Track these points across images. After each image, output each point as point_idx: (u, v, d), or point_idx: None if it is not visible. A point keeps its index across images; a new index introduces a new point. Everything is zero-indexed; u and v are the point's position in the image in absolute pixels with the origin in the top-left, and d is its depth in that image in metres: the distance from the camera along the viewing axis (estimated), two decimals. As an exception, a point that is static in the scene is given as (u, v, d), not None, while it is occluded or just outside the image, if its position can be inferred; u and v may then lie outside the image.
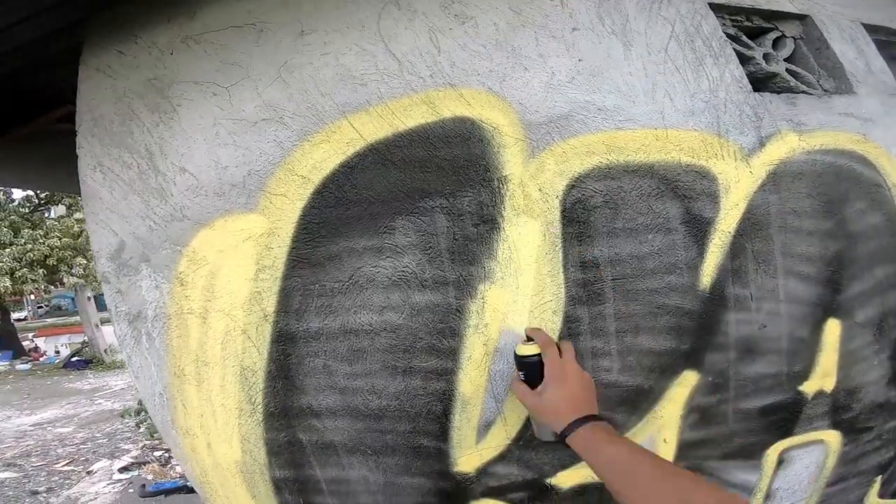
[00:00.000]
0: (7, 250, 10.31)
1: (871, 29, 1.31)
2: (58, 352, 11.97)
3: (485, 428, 0.94)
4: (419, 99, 0.88)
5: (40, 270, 10.41)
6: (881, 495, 1.37)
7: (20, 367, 10.86)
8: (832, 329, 1.06)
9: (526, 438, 0.95)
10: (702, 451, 1.05)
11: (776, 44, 1.20)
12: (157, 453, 4.58)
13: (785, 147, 1.02)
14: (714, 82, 1.01)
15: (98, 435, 5.44)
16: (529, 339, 0.84)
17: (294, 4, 0.89)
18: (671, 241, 0.94)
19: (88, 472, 4.40)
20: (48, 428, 5.91)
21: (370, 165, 0.85)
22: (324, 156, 0.84)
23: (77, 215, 11.23)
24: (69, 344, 11.95)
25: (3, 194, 11.79)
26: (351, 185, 0.85)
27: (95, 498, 3.70)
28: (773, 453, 1.11)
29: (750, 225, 0.97)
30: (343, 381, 0.90)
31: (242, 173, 0.83)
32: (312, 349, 0.88)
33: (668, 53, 0.99)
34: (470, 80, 0.91)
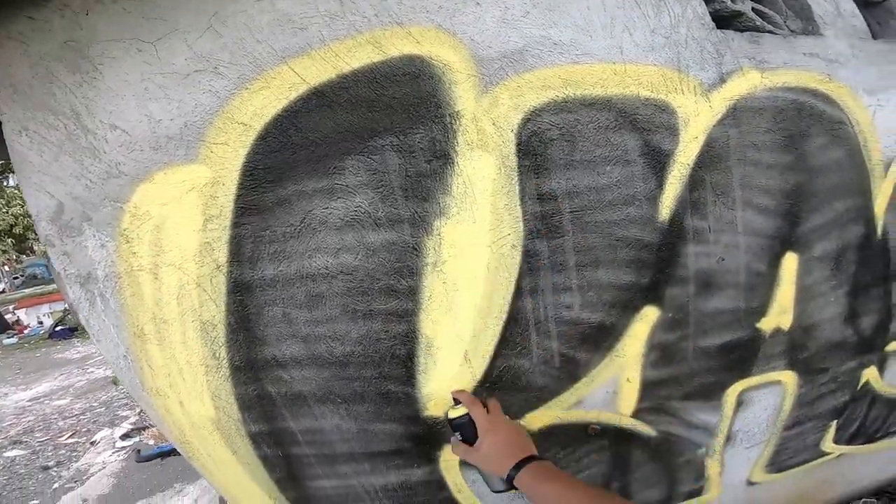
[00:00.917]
0: (-29, 223, 9.90)
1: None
2: (41, 322, 11.54)
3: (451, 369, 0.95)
4: (364, 39, 0.84)
5: (8, 240, 10.06)
6: (836, 441, 1.42)
7: (7, 341, 10.60)
8: (790, 263, 1.07)
9: (492, 379, 0.97)
10: (664, 391, 1.08)
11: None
12: (155, 419, 4.62)
13: (746, 83, 1.00)
14: (675, 18, 0.98)
15: (95, 404, 5.51)
16: (456, 401, 0.92)
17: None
18: (629, 173, 0.93)
19: (92, 443, 4.47)
20: (45, 402, 5.96)
21: (315, 108, 0.82)
22: (264, 102, 0.81)
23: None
24: (51, 313, 11.49)
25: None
26: (295, 129, 0.82)
27: (104, 468, 3.77)
28: (732, 394, 1.15)
29: (709, 157, 0.96)
30: (304, 329, 0.90)
31: (178, 126, 0.80)
32: (270, 297, 0.87)
33: (628, -12, 0.95)
34: (418, 17, 0.86)
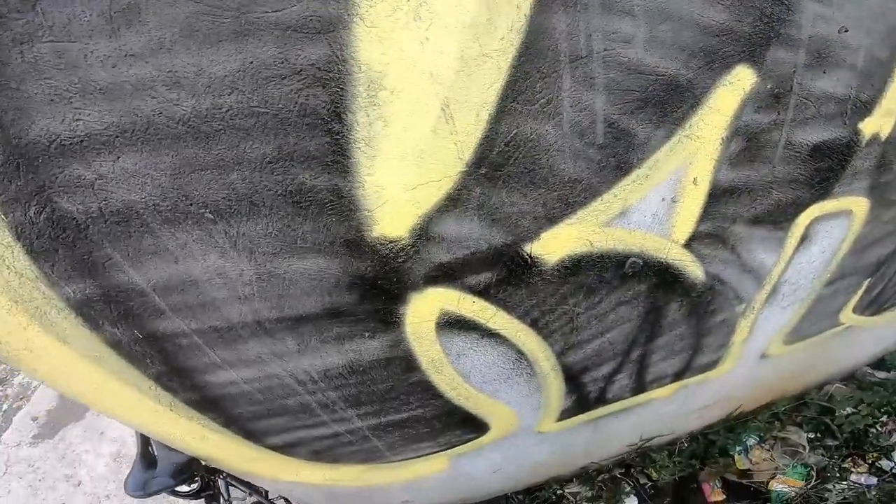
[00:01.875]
0: None
1: None
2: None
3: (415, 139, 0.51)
4: None
5: None
6: (856, 309, 1.26)
7: None
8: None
9: (491, 161, 0.54)
10: (732, 207, 0.73)
11: None
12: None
13: None
14: None
15: None
16: None
17: None
18: None
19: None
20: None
21: None
22: None
23: None
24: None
25: None
26: None
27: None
28: (802, 222, 0.85)
29: None
30: (100, 69, 0.40)
31: None
32: None
33: None
34: None
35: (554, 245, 0.63)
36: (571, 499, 1.52)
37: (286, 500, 1.39)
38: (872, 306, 1.33)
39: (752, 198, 0.72)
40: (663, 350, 0.92)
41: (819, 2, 0.64)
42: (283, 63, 0.46)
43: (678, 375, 1.06)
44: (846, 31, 0.68)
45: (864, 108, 0.77)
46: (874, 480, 1.46)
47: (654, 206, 0.65)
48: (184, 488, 0.95)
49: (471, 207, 0.57)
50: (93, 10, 0.40)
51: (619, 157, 0.58)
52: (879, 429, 1.58)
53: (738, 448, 1.58)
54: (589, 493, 1.48)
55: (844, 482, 1.47)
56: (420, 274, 0.62)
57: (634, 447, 1.45)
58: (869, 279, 1.16)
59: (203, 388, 0.71)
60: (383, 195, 0.53)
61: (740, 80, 0.62)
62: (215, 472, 1.01)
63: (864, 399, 1.63)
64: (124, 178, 0.50)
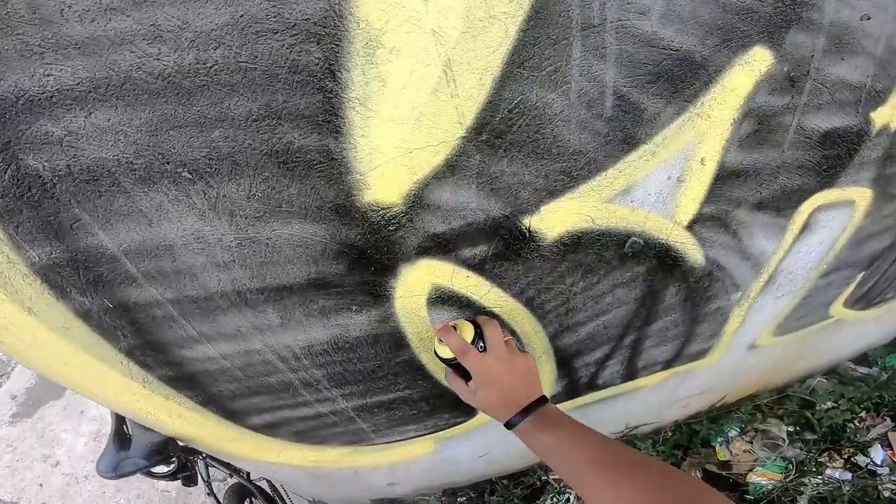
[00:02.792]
0: None
1: None
2: None
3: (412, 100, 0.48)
4: None
5: None
6: (846, 303, 1.26)
7: None
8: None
9: (494, 127, 0.51)
10: (738, 191, 0.70)
11: None
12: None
13: None
14: None
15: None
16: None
17: None
18: None
19: None
20: None
21: None
22: None
23: None
24: None
25: None
26: None
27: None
28: (806, 209, 0.83)
29: None
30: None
31: None
32: None
33: None
34: None
35: (554, 219, 0.60)
36: (555, 485, 1.52)
37: (269, 481, 1.36)
38: (863, 301, 1.34)
39: (758, 182, 0.70)
40: (656, 336, 0.91)
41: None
42: (276, 17, 0.42)
43: (669, 363, 1.05)
44: (868, 18, 0.65)
45: (879, 97, 0.75)
46: (849, 476, 1.47)
47: (660, 185, 0.62)
48: (161, 469, 0.92)
49: (469, 175, 0.54)
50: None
51: (626, 132, 0.56)
52: (857, 424, 1.60)
53: (719, 439, 1.59)
54: (573, 480, 1.48)
55: (820, 477, 1.48)
56: (412, 244, 0.59)
57: (620, 435, 1.45)
58: (862, 273, 1.16)
59: (179, 364, 0.67)
60: (377, 158, 0.50)
61: (757, 61, 0.59)
62: (194, 452, 0.98)
63: (846, 394, 1.65)
64: (96, 134, 0.46)
